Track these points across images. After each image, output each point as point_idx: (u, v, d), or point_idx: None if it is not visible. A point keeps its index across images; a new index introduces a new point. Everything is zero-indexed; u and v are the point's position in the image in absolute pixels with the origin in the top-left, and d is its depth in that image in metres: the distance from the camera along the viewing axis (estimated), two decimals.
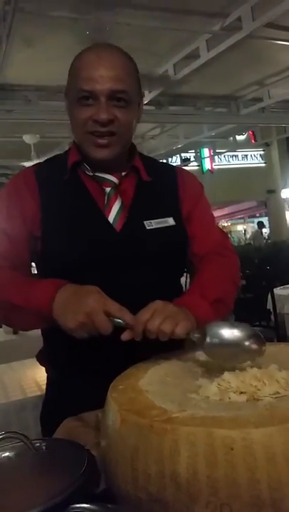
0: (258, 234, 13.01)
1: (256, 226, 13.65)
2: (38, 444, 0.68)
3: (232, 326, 0.79)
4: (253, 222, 16.63)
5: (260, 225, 13.32)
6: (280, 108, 7.91)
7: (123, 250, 0.99)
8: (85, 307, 0.79)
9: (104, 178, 1.03)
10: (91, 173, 1.03)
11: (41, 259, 1.02)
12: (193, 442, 0.54)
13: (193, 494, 0.53)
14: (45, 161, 1.11)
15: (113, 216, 1.01)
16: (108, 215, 1.00)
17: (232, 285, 1.05)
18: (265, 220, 14.23)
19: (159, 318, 0.79)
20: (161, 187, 1.08)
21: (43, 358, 1.11)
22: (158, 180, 1.07)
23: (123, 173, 1.04)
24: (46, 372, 1.12)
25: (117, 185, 1.03)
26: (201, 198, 1.13)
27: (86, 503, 0.54)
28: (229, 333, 0.78)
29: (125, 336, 0.82)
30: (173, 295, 1.05)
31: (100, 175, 1.02)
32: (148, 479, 0.57)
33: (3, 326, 3.54)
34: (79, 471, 0.60)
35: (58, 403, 1.05)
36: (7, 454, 0.68)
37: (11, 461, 0.67)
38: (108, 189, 1.02)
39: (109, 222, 1.00)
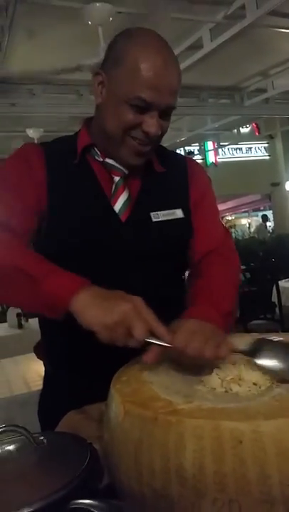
0: (262, 227, 12.99)
1: (260, 219, 13.60)
2: (39, 438, 0.66)
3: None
4: (257, 215, 16.56)
5: (264, 218, 13.30)
6: (284, 99, 7.86)
7: (127, 242, 0.95)
8: (126, 306, 0.72)
9: (114, 165, 0.99)
10: (101, 159, 0.99)
11: (39, 239, 0.96)
12: (199, 435, 0.51)
13: (200, 490, 0.50)
14: (52, 141, 1.06)
15: (119, 206, 0.97)
16: (114, 204, 0.97)
17: (237, 294, 1.01)
18: (269, 213, 14.16)
19: (199, 341, 0.70)
20: (172, 178, 1.04)
21: (40, 351, 1.08)
22: (169, 171, 1.04)
23: None
24: (44, 365, 1.09)
25: (127, 174, 0.99)
26: (208, 191, 1.09)
27: (88, 499, 0.51)
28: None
29: (149, 358, 0.71)
30: (176, 292, 1.02)
31: (110, 162, 0.98)
32: (152, 474, 0.54)
33: (8, 320, 3.52)
34: (81, 466, 0.57)
35: (57, 397, 1.02)
36: (8, 447, 0.65)
37: (12, 455, 0.64)
38: (117, 178, 0.99)
39: (114, 211, 0.96)
